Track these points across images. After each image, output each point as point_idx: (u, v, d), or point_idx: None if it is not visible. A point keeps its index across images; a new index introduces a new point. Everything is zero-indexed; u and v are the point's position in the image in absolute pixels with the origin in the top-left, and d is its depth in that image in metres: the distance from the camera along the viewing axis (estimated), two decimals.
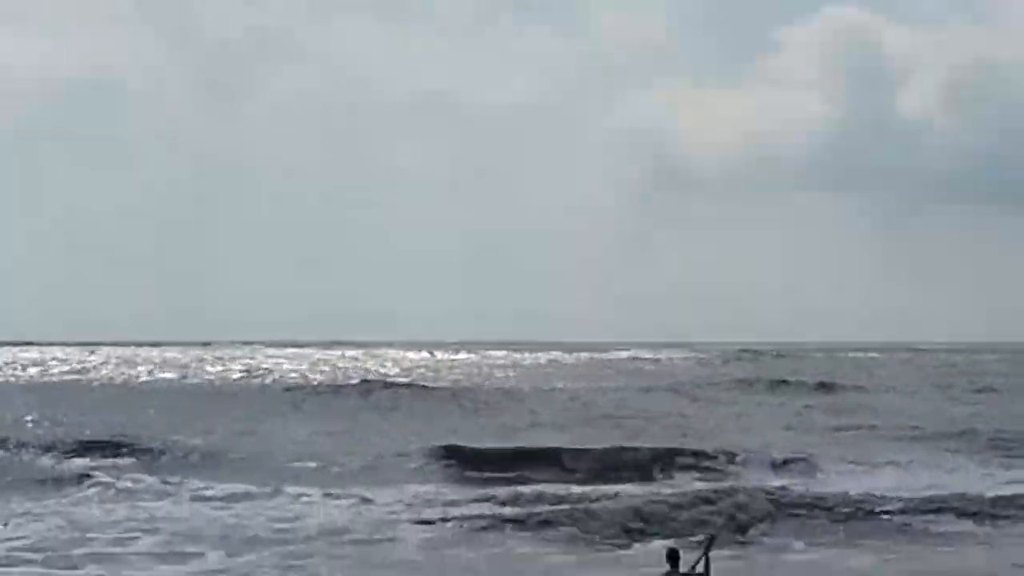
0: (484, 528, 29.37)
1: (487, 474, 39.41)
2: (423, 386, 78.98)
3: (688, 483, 37.04)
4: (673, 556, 18.12)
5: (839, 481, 37.02)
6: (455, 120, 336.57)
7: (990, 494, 33.33)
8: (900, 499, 32.53)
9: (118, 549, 26.81)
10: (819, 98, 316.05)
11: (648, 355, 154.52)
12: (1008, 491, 33.88)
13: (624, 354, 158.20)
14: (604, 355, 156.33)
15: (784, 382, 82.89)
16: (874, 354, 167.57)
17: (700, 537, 20.41)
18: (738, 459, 41.46)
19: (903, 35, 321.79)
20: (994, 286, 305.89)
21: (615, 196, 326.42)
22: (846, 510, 31.66)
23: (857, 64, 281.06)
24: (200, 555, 26.41)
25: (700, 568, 18.04)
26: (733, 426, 54.84)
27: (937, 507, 31.81)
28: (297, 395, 72.73)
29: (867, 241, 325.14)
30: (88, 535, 28.18)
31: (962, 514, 31.44)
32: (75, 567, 25.24)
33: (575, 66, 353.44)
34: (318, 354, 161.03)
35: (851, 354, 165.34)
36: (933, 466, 40.47)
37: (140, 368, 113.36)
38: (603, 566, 26.20)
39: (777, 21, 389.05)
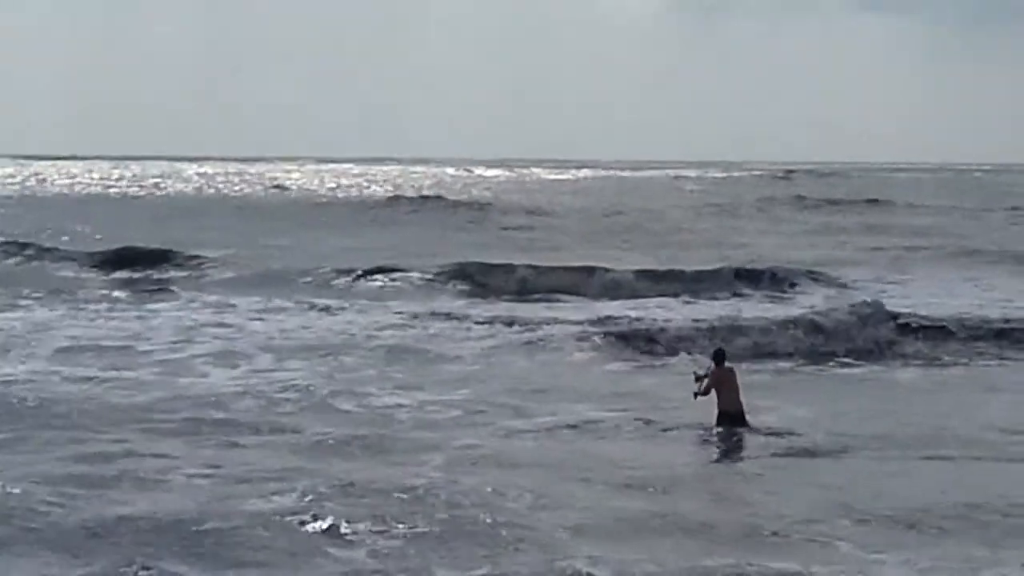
0: (533, 342, 29.05)
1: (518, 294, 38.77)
2: (456, 201, 78.58)
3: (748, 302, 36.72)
4: (720, 355, 21.31)
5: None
6: None
7: None
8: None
9: (172, 355, 26.74)
10: None
11: (692, 173, 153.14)
12: None
13: (665, 173, 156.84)
14: (641, 173, 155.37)
15: (832, 201, 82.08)
16: (919, 175, 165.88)
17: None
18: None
19: None
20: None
21: (651, 12, 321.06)
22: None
23: None
24: (249, 358, 26.36)
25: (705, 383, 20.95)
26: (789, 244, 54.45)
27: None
28: (328, 210, 73.00)
29: (911, 64, 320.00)
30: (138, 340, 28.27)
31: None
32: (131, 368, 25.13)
33: None
34: (356, 168, 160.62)
35: (895, 175, 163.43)
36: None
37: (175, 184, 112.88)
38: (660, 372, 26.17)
39: None
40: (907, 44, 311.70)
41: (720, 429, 20.59)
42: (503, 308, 34.67)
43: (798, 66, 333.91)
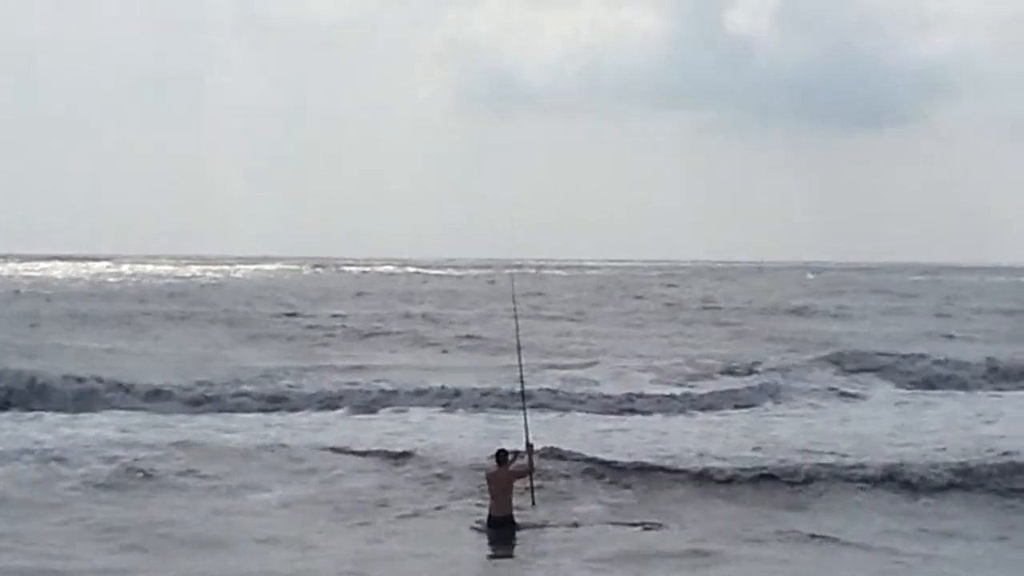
0: None
1: None
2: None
3: None
4: (501, 454, 20.17)
5: None
6: (278, 36, 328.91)
7: None
8: None
9: None
10: (649, 15, 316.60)
11: (458, 273, 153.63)
12: None
13: (444, 272, 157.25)
14: (428, 271, 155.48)
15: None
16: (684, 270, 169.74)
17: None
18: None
19: None
20: (819, 205, 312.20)
21: (441, 111, 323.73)
22: None
23: None
24: None
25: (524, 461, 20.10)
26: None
27: None
28: None
29: (693, 159, 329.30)
30: None
31: None
32: None
33: None
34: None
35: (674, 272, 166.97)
36: None
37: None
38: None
39: None
40: (699, 142, 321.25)
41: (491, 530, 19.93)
42: None
43: (590, 163, 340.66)
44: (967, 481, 24.36)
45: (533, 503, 20.58)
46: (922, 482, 24.23)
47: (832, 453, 26.98)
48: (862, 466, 25.17)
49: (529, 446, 20.34)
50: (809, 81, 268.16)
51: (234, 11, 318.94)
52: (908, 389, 40.10)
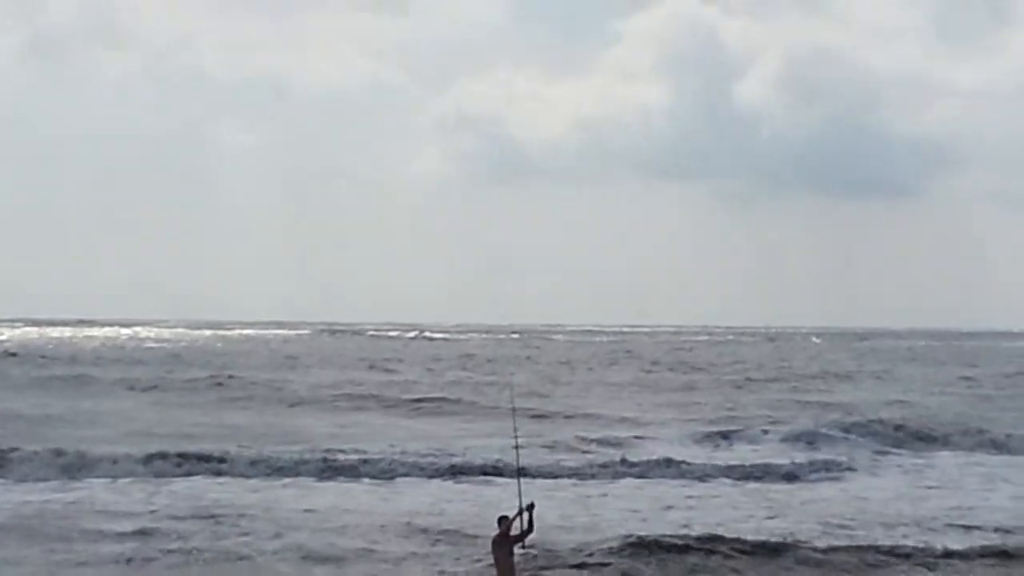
0: None
1: None
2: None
3: None
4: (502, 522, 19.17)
5: None
6: (287, 104, 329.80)
7: None
8: None
9: None
10: (655, 86, 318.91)
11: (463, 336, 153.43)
12: None
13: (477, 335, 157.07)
14: (435, 334, 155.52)
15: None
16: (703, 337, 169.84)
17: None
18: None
19: (740, 26, 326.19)
20: (828, 273, 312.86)
21: (449, 182, 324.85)
22: None
23: (695, 54, 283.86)
24: None
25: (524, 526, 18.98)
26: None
27: None
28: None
29: (702, 230, 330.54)
30: None
31: None
32: None
33: (411, 51, 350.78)
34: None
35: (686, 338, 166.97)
36: None
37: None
38: None
39: (617, 12, 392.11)
40: (704, 211, 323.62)
41: None
42: None
43: (591, 230, 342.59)
44: None
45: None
46: None
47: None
48: None
49: (531, 506, 19.16)
50: (814, 151, 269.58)
51: (242, 79, 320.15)
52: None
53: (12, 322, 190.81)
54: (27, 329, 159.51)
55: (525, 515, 19.03)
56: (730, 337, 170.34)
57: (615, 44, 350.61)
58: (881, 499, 31.32)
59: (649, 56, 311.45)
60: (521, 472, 22.66)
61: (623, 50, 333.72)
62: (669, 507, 29.68)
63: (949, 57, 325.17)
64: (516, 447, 22.87)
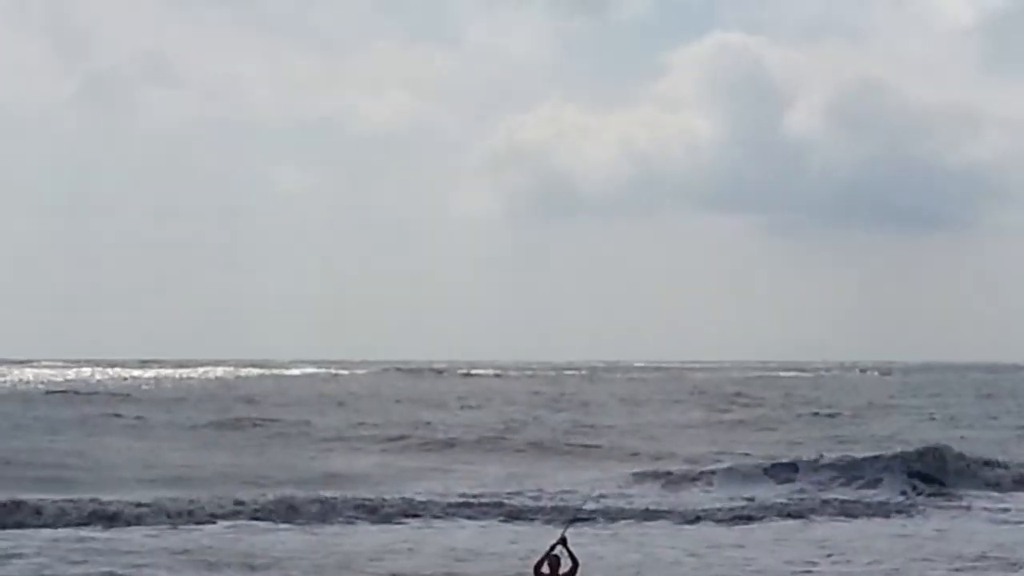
0: None
1: None
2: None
3: None
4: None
5: None
6: (336, 144, 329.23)
7: None
8: None
9: None
10: (702, 119, 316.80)
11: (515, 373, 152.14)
12: None
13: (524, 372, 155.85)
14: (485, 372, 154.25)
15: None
16: (757, 373, 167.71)
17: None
18: None
19: (788, 56, 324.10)
20: (879, 306, 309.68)
21: (500, 218, 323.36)
22: None
23: (742, 85, 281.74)
24: None
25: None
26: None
27: None
28: None
29: (746, 262, 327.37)
30: None
31: None
32: None
33: (458, 88, 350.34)
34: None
35: (738, 373, 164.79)
36: None
37: None
38: None
39: (664, 45, 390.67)
40: (752, 244, 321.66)
41: None
42: None
43: (638, 265, 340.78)
44: None
45: None
46: None
47: None
48: None
49: (563, 540, 18.53)
50: (864, 183, 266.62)
51: (294, 119, 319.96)
52: None
53: (67, 362, 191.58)
54: (81, 369, 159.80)
55: (559, 547, 18.36)
56: (794, 372, 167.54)
57: (662, 76, 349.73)
58: None
59: (696, 87, 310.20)
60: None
61: (669, 82, 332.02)
62: None
63: (998, 88, 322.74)
64: None
